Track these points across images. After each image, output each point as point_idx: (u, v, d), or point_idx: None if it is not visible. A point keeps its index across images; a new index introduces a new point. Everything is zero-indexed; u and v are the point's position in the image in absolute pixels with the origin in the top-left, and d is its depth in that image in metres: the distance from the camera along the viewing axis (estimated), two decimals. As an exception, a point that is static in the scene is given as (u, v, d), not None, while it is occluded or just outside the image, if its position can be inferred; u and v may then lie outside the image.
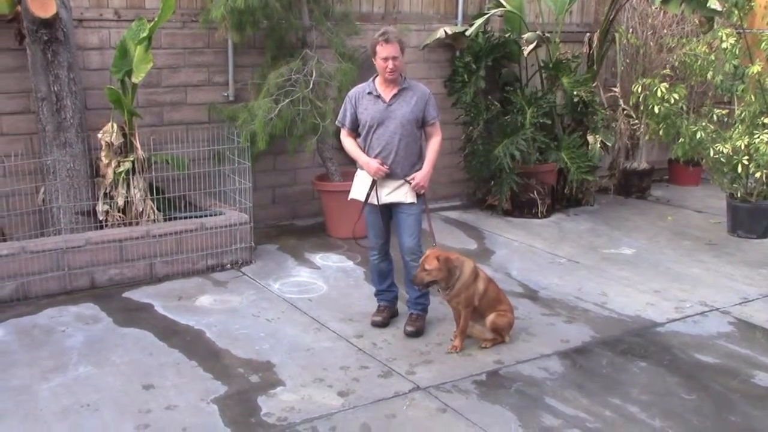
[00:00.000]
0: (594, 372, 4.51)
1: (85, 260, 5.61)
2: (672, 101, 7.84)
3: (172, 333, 4.93)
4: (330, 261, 6.41)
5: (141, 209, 6.00)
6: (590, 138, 8.07)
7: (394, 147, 4.76)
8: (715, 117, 7.80)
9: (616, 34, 8.43)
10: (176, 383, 4.26)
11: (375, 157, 4.80)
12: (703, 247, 6.97)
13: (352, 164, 7.39)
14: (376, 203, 4.87)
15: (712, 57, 7.96)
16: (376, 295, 5.22)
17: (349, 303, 5.50)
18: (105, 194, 5.98)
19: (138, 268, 5.80)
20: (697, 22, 8.25)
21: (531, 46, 7.69)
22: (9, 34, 5.96)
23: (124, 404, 4.03)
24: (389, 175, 4.80)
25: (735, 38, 7.40)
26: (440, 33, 7.81)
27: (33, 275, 5.42)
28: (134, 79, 5.97)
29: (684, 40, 8.48)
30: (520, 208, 7.87)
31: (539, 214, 7.83)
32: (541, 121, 7.71)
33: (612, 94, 8.58)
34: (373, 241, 5.03)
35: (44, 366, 4.43)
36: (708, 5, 6.59)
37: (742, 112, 7.34)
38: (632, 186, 8.87)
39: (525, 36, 7.80)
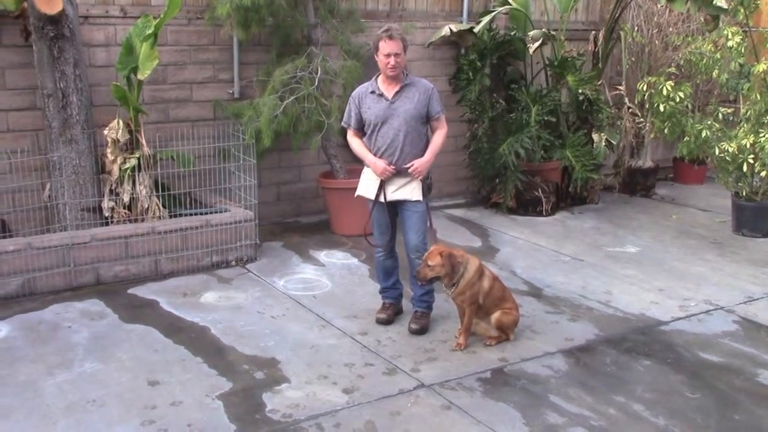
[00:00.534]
0: (598, 370, 4.51)
1: (91, 256, 5.63)
2: (677, 99, 7.83)
3: (177, 329, 4.95)
4: (335, 258, 6.42)
5: (146, 206, 6.02)
6: (595, 136, 8.06)
7: (399, 144, 4.77)
8: (720, 115, 7.78)
9: (622, 32, 8.41)
10: (181, 379, 4.28)
11: (381, 155, 4.80)
12: (707, 246, 6.97)
13: (356, 162, 7.40)
14: (382, 201, 4.87)
15: (718, 55, 7.95)
16: (380, 292, 5.23)
17: (354, 300, 5.51)
18: (110, 191, 6.00)
19: (143, 265, 5.82)
20: (702, 20, 8.24)
21: (536, 44, 7.68)
22: (15, 31, 5.98)
23: (130, 400, 4.04)
24: (395, 173, 4.81)
25: (741, 36, 7.39)
26: (445, 30, 7.80)
27: (39, 271, 5.44)
28: (140, 76, 5.98)
29: (689, 39, 8.46)
30: (525, 206, 7.87)
31: (544, 212, 7.83)
32: (545, 119, 7.70)
33: (617, 92, 8.56)
34: (378, 239, 5.04)
35: (50, 362, 4.45)
36: (714, 3, 6.59)
37: (747, 111, 7.32)
38: (637, 184, 8.87)
39: (530, 34, 7.79)
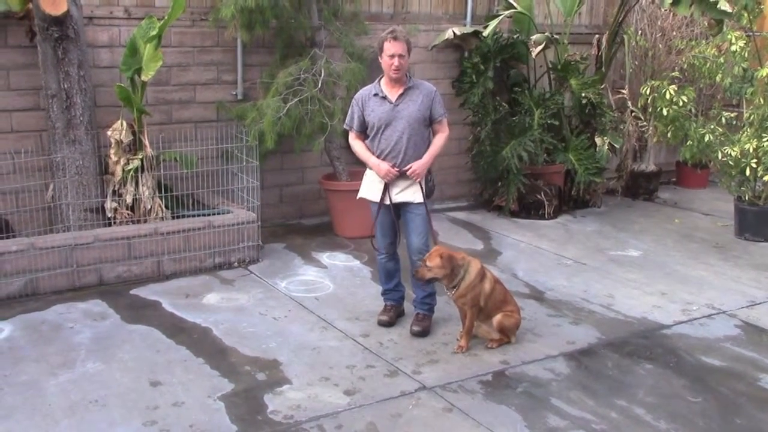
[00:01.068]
0: (600, 373, 4.51)
1: (94, 257, 5.64)
2: (680, 104, 7.83)
3: (179, 330, 4.95)
4: (337, 260, 6.42)
5: (149, 207, 6.03)
6: (598, 140, 8.07)
7: (402, 147, 4.77)
8: (723, 120, 7.79)
9: (625, 36, 8.42)
10: (183, 380, 4.28)
11: (384, 158, 4.81)
12: (710, 250, 6.96)
13: (359, 164, 7.41)
14: (386, 203, 4.87)
15: (721, 60, 7.95)
16: (382, 294, 5.23)
17: (356, 302, 5.51)
18: (114, 191, 6.01)
19: (146, 266, 5.82)
20: (706, 24, 8.24)
21: (539, 48, 7.69)
22: (20, 32, 6.00)
23: (132, 400, 4.05)
24: (398, 175, 4.81)
25: (744, 41, 7.39)
26: (449, 33, 7.82)
27: (42, 271, 5.45)
28: (144, 77, 6.00)
29: (693, 43, 8.47)
30: (527, 209, 7.87)
31: (546, 216, 7.83)
32: (548, 122, 7.71)
33: (620, 96, 8.57)
34: (380, 241, 5.04)
35: (52, 362, 4.46)
36: (718, 7, 6.58)
37: (750, 115, 7.32)
38: (640, 188, 8.86)
39: (534, 37, 7.81)
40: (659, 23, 8.65)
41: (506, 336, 4.82)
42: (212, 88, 6.96)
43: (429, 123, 4.88)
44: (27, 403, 3.99)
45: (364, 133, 4.92)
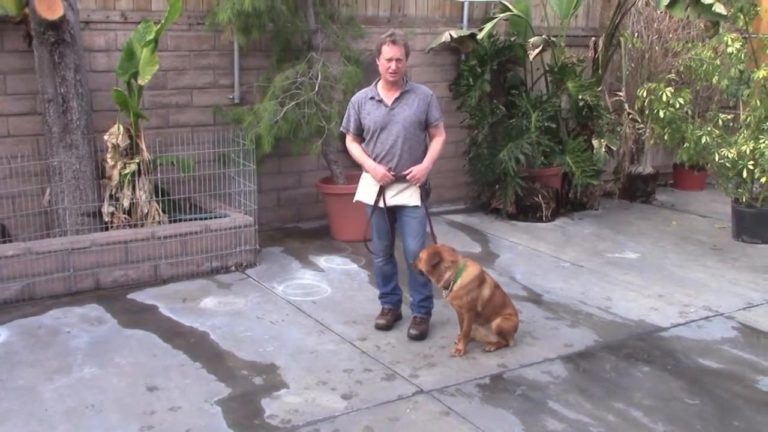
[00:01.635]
0: (597, 376, 4.51)
1: (90, 261, 5.63)
2: (677, 106, 7.84)
3: (176, 334, 4.95)
4: (334, 264, 6.42)
5: (146, 211, 6.02)
6: (595, 142, 8.07)
7: (398, 150, 4.77)
8: (720, 122, 7.79)
9: (622, 39, 8.43)
10: (180, 385, 4.27)
11: (380, 161, 4.81)
12: (707, 252, 6.96)
13: (356, 167, 7.39)
14: (381, 206, 4.88)
15: (718, 61, 7.96)
16: (380, 297, 5.22)
17: (353, 306, 5.51)
18: (110, 196, 6.00)
19: (143, 270, 5.82)
20: (702, 26, 8.25)
21: (536, 50, 7.70)
22: (16, 36, 6.00)
23: (129, 405, 4.04)
24: (394, 179, 4.81)
25: (740, 43, 7.40)
26: (446, 36, 7.82)
27: (38, 276, 5.44)
28: (140, 81, 6.00)
29: (689, 45, 8.48)
30: (525, 211, 7.87)
31: (544, 218, 7.83)
32: (546, 124, 7.71)
33: (617, 98, 8.57)
34: (377, 244, 5.04)
35: (49, 367, 4.45)
36: (713, 9, 6.59)
37: (747, 117, 7.33)
38: (637, 190, 8.87)
39: (530, 40, 7.81)
40: (655, 25, 8.66)
41: (504, 339, 4.82)
42: (209, 91, 6.96)
43: (425, 127, 4.88)
44: (23, 408, 3.98)
45: (360, 136, 4.92)
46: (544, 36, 7.81)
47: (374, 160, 4.83)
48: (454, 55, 8.20)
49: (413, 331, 4.95)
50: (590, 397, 4.24)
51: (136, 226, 5.96)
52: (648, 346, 4.94)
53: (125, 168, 5.97)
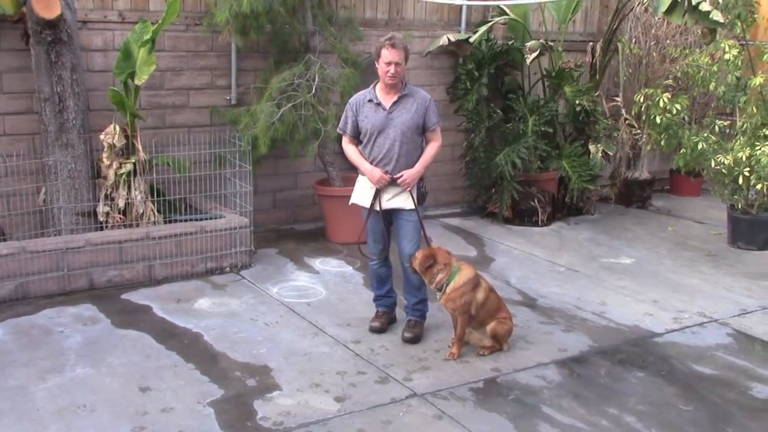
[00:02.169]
0: (591, 381, 4.50)
1: (85, 261, 5.61)
2: (674, 111, 7.84)
3: (170, 335, 4.93)
4: (329, 266, 6.41)
5: (141, 211, 6.01)
6: (592, 147, 8.08)
7: (394, 154, 4.76)
8: (716, 128, 7.80)
9: (619, 44, 8.44)
10: (173, 386, 4.26)
11: (376, 165, 4.80)
12: (703, 258, 6.97)
13: (352, 169, 7.37)
14: (377, 209, 4.87)
15: (715, 68, 7.96)
16: (374, 300, 5.22)
17: (348, 308, 5.50)
18: (106, 195, 5.99)
19: (137, 270, 5.80)
20: (699, 33, 8.26)
21: (534, 55, 7.70)
22: (14, 35, 5.98)
23: (121, 406, 4.02)
24: (390, 182, 4.80)
25: (737, 50, 7.41)
26: (443, 40, 7.82)
27: (32, 275, 5.43)
28: (137, 81, 5.99)
29: (687, 51, 8.48)
30: (521, 216, 7.87)
31: (540, 223, 7.84)
32: (542, 129, 7.71)
33: (614, 103, 8.58)
34: (372, 247, 5.03)
35: (41, 366, 4.43)
36: (710, 17, 6.59)
37: (743, 124, 7.34)
38: (633, 196, 8.88)
39: (528, 44, 7.82)
40: (653, 31, 8.67)
41: (498, 343, 4.81)
42: (206, 92, 6.95)
43: (422, 131, 4.88)
44: (15, 408, 3.96)
45: (357, 138, 4.91)
46: (541, 40, 7.82)
47: (371, 163, 4.82)
48: (451, 58, 8.20)
49: (407, 335, 4.94)
50: (584, 402, 4.24)
51: (131, 226, 5.95)
52: (642, 352, 4.93)
53: (121, 168, 5.96)
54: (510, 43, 8.12)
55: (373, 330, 5.07)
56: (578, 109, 7.94)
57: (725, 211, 7.51)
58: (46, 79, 5.74)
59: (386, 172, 4.77)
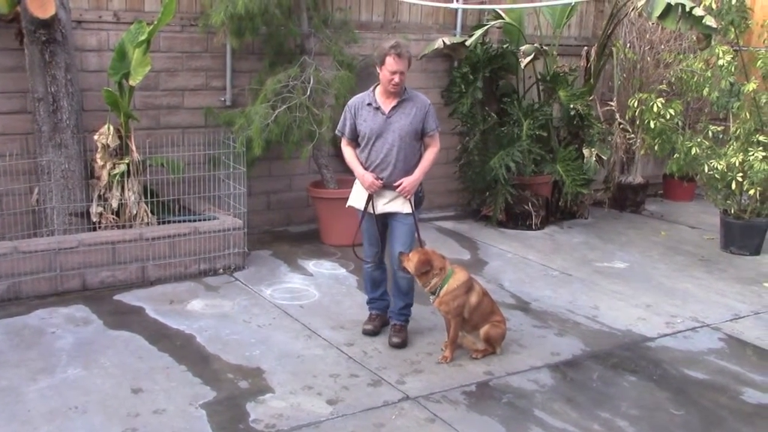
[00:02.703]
0: (584, 385, 4.51)
1: (78, 262, 5.60)
2: (668, 116, 7.87)
3: (162, 337, 4.92)
4: (323, 268, 6.41)
5: (135, 212, 6.00)
6: (586, 151, 8.10)
7: (392, 159, 4.74)
8: (710, 133, 7.83)
9: (614, 49, 8.46)
10: (165, 387, 4.25)
11: (373, 170, 4.78)
12: (695, 263, 6.99)
13: (347, 172, 7.38)
14: (371, 212, 4.86)
15: (709, 74, 7.99)
16: (368, 303, 5.21)
17: (341, 311, 5.49)
18: (99, 196, 5.98)
19: (130, 271, 5.79)
20: (694, 38, 8.30)
21: (528, 59, 7.71)
22: (8, 34, 5.96)
23: (113, 407, 4.01)
24: (387, 186, 4.78)
25: (731, 55, 7.44)
26: (439, 43, 7.82)
27: (24, 275, 5.41)
28: (132, 82, 5.98)
29: (681, 56, 8.52)
30: (515, 219, 7.88)
31: (533, 226, 7.84)
32: (537, 133, 7.73)
33: (608, 108, 8.60)
34: (367, 250, 5.02)
35: (33, 367, 4.41)
36: (704, 22, 6.62)
37: (737, 129, 7.37)
38: (627, 200, 8.90)
39: (523, 48, 7.83)
40: (648, 36, 8.70)
41: (492, 347, 4.81)
42: (200, 93, 6.94)
43: (421, 136, 4.84)
44: (6, 409, 3.95)
45: (355, 140, 4.89)
46: (536, 44, 7.83)
47: (368, 168, 4.79)
48: (446, 61, 8.21)
49: (395, 339, 4.92)
50: (576, 406, 4.25)
51: (124, 226, 5.94)
52: (635, 356, 4.94)
53: (114, 168, 5.94)
54: (505, 46, 8.14)
55: (366, 333, 5.06)
56: (572, 113, 7.96)
57: (718, 216, 7.53)
58: (40, 79, 5.73)
59: (378, 178, 4.76)
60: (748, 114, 7.32)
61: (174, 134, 6.64)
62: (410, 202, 4.81)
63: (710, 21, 6.67)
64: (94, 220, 5.96)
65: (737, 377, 4.70)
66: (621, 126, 8.49)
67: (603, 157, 8.23)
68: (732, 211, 7.29)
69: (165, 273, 5.91)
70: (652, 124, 7.91)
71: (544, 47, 7.95)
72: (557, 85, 7.95)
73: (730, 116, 8.10)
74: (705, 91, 8.03)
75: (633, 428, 4.04)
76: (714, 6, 7.33)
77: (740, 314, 5.75)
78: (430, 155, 4.88)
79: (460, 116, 7.98)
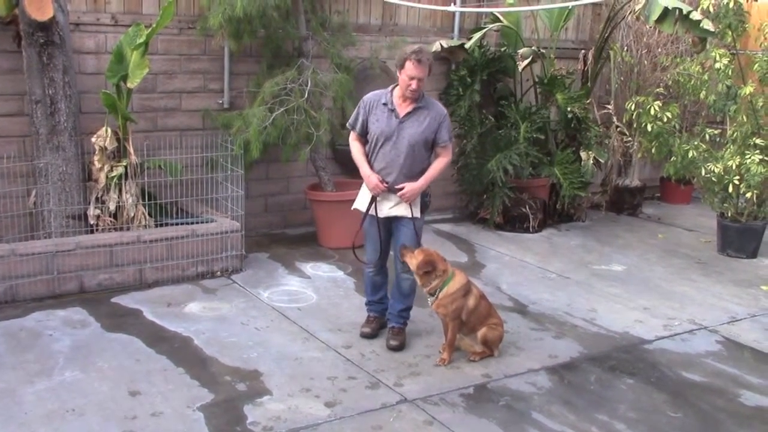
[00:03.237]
0: (581, 388, 4.51)
1: (75, 264, 5.59)
2: (665, 120, 7.88)
3: (160, 339, 4.91)
4: (320, 271, 6.40)
5: (132, 214, 5.99)
6: (583, 154, 8.11)
7: (398, 165, 4.70)
8: (707, 136, 7.83)
9: (611, 52, 8.48)
10: (163, 390, 4.24)
11: (378, 172, 4.76)
12: (692, 266, 7.00)
13: (345, 174, 7.41)
14: (373, 214, 4.84)
15: (706, 77, 8.00)
16: (366, 305, 5.21)
17: (339, 313, 5.49)
18: (97, 198, 5.97)
19: (127, 274, 5.78)
20: (691, 41, 8.31)
21: (526, 62, 7.73)
22: (5, 36, 5.96)
23: (110, 410, 4.01)
24: (391, 189, 4.73)
25: (728, 59, 7.45)
26: (436, 46, 7.83)
27: (22, 278, 5.40)
28: (129, 84, 5.97)
29: (678, 60, 8.53)
30: (512, 222, 7.89)
31: (531, 229, 7.85)
32: (534, 136, 7.74)
33: (605, 111, 8.62)
34: (370, 254, 5.00)
35: (30, 370, 4.41)
36: (701, 26, 6.64)
37: (734, 133, 7.38)
38: (624, 203, 8.91)
39: (520, 51, 7.85)
40: (645, 40, 8.72)
41: (489, 349, 4.81)
42: (198, 96, 6.94)
43: (431, 146, 4.78)
44: (3, 412, 3.94)
45: (364, 136, 4.82)
46: (534, 48, 7.85)
47: (373, 169, 4.76)
48: (444, 64, 8.22)
49: (393, 342, 4.91)
50: (574, 409, 4.25)
51: (121, 229, 5.93)
52: (632, 359, 4.95)
53: (112, 171, 5.94)
54: (503, 49, 8.16)
55: (364, 335, 5.06)
56: (570, 116, 7.97)
57: (715, 219, 7.54)
58: (38, 81, 5.72)
59: (383, 181, 4.74)
60: (744, 117, 7.33)
61: (172, 137, 6.64)
62: (417, 206, 4.79)
63: (708, 25, 6.69)
64: (92, 222, 5.95)
65: (735, 380, 4.71)
66: (618, 129, 8.51)
67: (600, 160, 8.25)
68: (729, 214, 7.31)
69: (162, 275, 5.91)
70: (649, 127, 7.92)
71: (542, 50, 7.96)
72: (555, 88, 7.97)
73: (727, 119, 8.10)
74: (702, 95, 8.04)
75: (631, 431, 4.05)
76: (711, 9, 7.35)
77: (737, 317, 5.76)
78: (438, 165, 4.83)
79: (457, 119, 7.97)
